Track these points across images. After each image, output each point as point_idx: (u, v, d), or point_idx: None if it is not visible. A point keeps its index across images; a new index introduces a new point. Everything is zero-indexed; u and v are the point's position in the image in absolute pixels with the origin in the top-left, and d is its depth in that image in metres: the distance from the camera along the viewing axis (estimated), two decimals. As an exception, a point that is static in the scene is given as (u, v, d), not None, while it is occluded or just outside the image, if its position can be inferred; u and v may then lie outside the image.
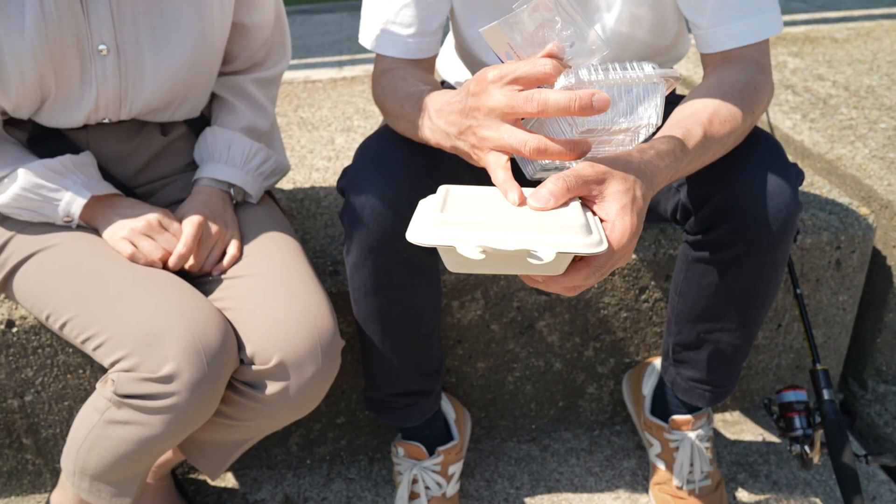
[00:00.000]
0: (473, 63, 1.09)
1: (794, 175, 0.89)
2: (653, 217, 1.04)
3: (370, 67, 2.27)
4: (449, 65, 1.20)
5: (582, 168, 0.67)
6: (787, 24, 2.71)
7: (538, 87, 0.69)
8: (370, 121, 1.75)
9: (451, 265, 0.65)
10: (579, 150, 0.68)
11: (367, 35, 0.98)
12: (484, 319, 1.21)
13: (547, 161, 0.72)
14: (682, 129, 0.78)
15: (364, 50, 2.74)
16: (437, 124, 0.80)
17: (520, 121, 0.71)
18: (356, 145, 1.61)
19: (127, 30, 0.90)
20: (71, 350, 1.11)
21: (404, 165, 0.89)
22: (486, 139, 0.72)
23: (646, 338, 1.26)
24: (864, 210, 1.26)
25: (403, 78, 0.92)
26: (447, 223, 0.63)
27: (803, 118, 1.62)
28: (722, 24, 0.88)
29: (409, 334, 1.01)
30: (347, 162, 1.49)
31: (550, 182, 0.66)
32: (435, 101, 0.81)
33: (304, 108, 1.86)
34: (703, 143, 0.79)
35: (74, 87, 0.90)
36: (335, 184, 1.41)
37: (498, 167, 0.70)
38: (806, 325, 1.11)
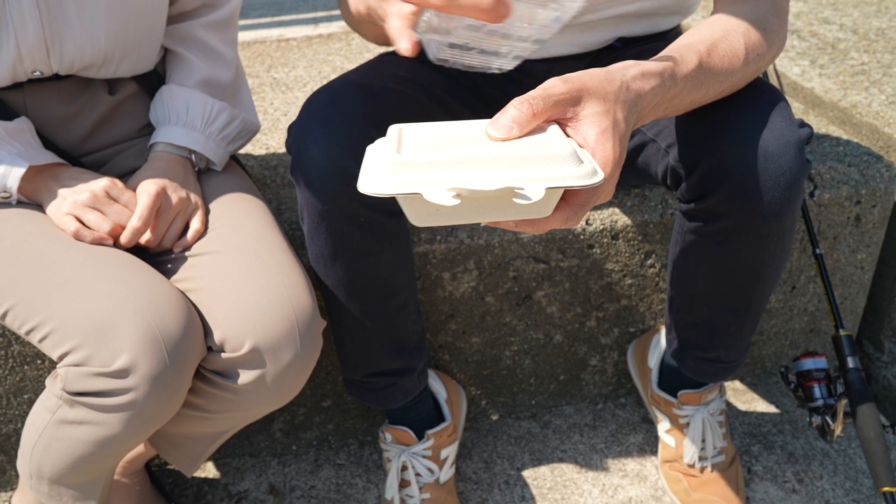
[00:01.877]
0: None
1: (800, 132, 0.77)
2: (647, 179, 0.94)
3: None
4: None
5: (551, 85, 0.56)
6: (785, -32, 2.59)
7: None
8: (349, 79, 1.63)
9: (416, 218, 0.52)
10: (497, 7, 0.55)
11: None
12: (478, 291, 1.11)
13: (454, 38, 0.60)
14: (675, 54, 0.67)
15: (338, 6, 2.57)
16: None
17: None
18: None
19: None
20: (22, 338, 1.01)
21: (352, 120, 0.79)
22: None
23: (652, 305, 1.17)
24: (886, 160, 1.17)
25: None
26: (407, 166, 0.50)
27: (812, 64, 1.51)
28: None
29: (378, 307, 0.91)
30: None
31: (512, 107, 0.55)
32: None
33: (278, 67, 1.73)
34: (696, 73, 0.68)
35: None
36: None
37: (395, 15, 0.60)
38: (827, 287, 1.03)
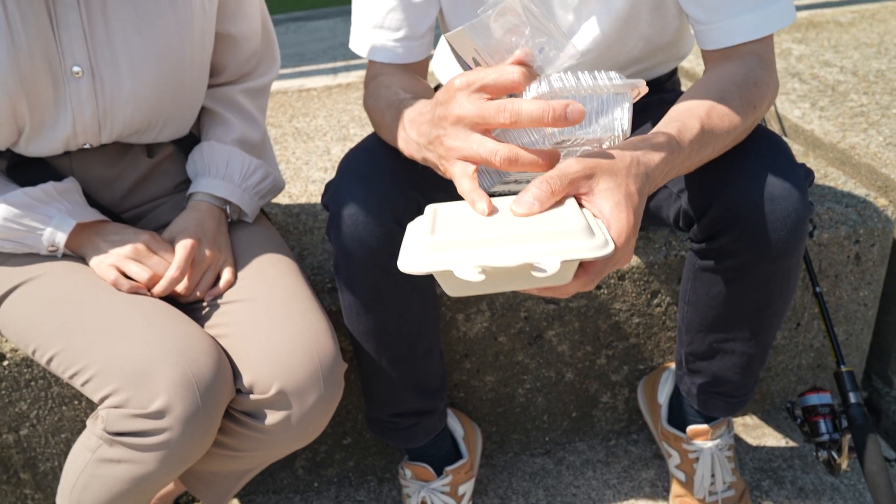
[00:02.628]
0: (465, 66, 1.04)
1: (802, 175, 0.83)
2: (657, 223, 0.99)
3: (364, 74, 2.23)
4: (444, 67, 1.16)
5: (567, 165, 0.62)
6: (788, 9, 2.66)
7: (507, 95, 0.65)
8: (366, 129, 1.71)
9: (451, 290, 0.59)
10: (550, 160, 0.64)
11: (357, 40, 0.95)
12: (491, 332, 1.16)
13: (509, 173, 0.68)
14: (678, 123, 0.73)
15: (358, 56, 2.69)
16: (409, 135, 0.76)
17: (489, 131, 0.67)
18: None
19: (101, 48, 0.85)
20: (65, 381, 1.07)
21: (388, 178, 0.85)
22: (453, 149, 0.67)
23: (660, 343, 1.21)
24: (881, 201, 1.21)
25: (388, 85, 0.89)
26: (440, 246, 0.57)
27: (812, 107, 1.57)
28: (724, 20, 0.83)
29: (405, 352, 0.97)
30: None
31: (534, 185, 0.61)
32: (410, 111, 0.78)
33: (299, 117, 1.82)
34: (700, 138, 0.74)
35: (49, 114, 0.86)
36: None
37: (464, 177, 0.66)
38: (828, 324, 1.07)
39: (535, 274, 0.57)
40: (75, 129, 0.88)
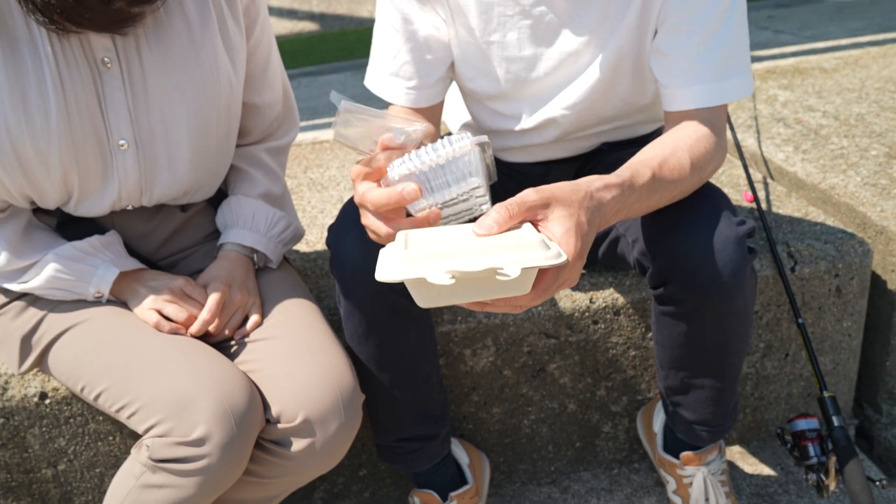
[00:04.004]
0: (472, 105, 1.15)
1: (738, 229, 0.91)
2: (626, 266, 1.08)
3: (375, 125, 2.36)
4: (450, 110, 1.27)
5: (525, 194, 0.72)
6: (776, 56, 2.79)
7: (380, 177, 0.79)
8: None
9: (421, 300, 0.67)
10: (427, 221, 0.77)
11: (373, 82, 1.06)
12: (496, 365, 1.24)
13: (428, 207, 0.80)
14: (632, 169, 0.83)
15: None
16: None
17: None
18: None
19: (143, 124, 0.95)
20: (101, 418, 1.15)
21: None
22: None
23: (655, 374, 1.29)
24: (859, 237, 1.30)
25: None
26: (413, 258, 0.65)
27: (795, 150, 1.67)
28: (683, 86, 0.93)
29: (406, 379, 1.05)
30: (357, 220, 1.54)
31: (494, 210, 0.70)
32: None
33: (313, 168, 1.94)
34: (650, 184, 0.83)
35: (97, 182, 0.96)
36: (347, 242, 1.46)
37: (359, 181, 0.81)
38: (810, 353, 1.14)
39: (499, 279, 0.65)
40: (120, 194, 0.98)
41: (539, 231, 0.72)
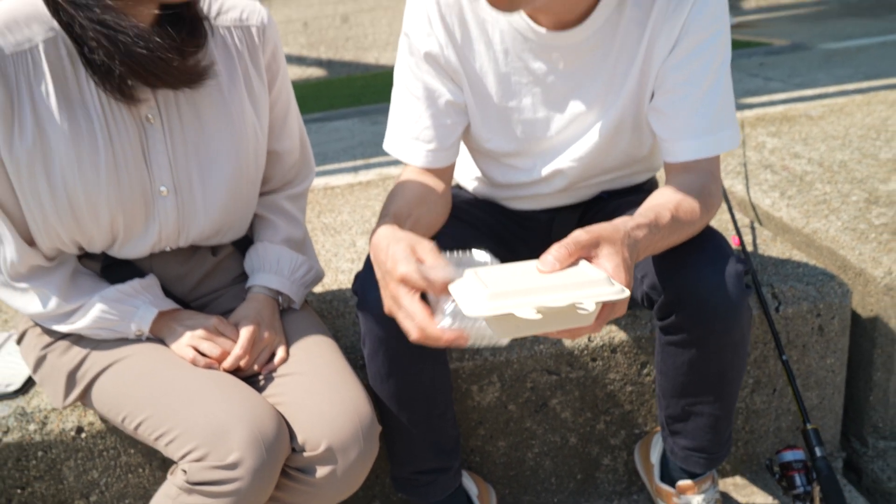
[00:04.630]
0: (483, 163, 1.25)
1: (737, 267, 1.01)
2: (631, 302, 1.18)
3: (383, 171, 2.47)
4: (461, 168, 1.38)
5: (578, 235, 0.82)
6: (766, 104, 2.92)
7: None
8: (387, 222, 1.92)
9: (501, 332, 0.75)
10: (456, 342, 0.81)
11: (393, 145, 1.15)
12: (501, 401, 1.33)
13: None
14: (654, 211, 0.94)
15: (376, 155, 2.97)
16: (373, 253, 0.93)
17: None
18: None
19: (181, 172, 1.06)
20: (133, 450, 1.24)
21: None
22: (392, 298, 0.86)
23: (651, 409, 1.37)
24: (839, 279, 1.39)
25: (402, 194, 1.09)
26: (497, 295, 0.72)
27: (781, 196, 1.77)
28: (683, 140, 1.04)
29: (423, 415, 1.13)
30: (370, 263, 1.64)
31: (554, 249, 0.80)
32: (378, 235, 0.92)
33: (326, 213, 2.04)
34: (671, 225, 0.94)
35: (140, 226, 1.06)
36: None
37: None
38: (794, 388, 1.23)
39: (578, 312, 0.74)
40: (160, 236, 1.08)
41: (593, 266, 0.81)
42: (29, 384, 1.28)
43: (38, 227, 1.02)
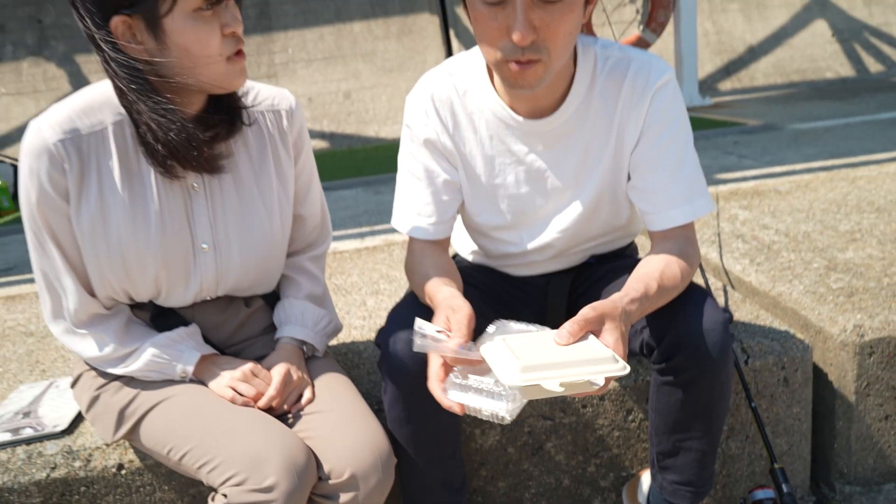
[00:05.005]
0: (478, 238, 1.44)
1: (724, 316, 1.19)
2: (631, 354, 1.34)
3: (388, 237, 2.66)
4: (459, 242, 1.56)
5: (586, 312, 1.00)
6: (739, 180, 3.16)
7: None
8: (393, 284, 2.09)
9: (527, 395, 0.93)
10: (451, 410, 1.02)
11: (399, 221, 1.34)
12: (501, 444, 1.46)
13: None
14: (644, 283, 1.12)
15: (380, 223, 3.16)
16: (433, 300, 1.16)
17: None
18: (385, 305, 1.94)
19: (220, 230, 1.24)
20: (167, 487, 1.35)
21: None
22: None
23: (637, 452, 1.51)
24: (801, 336, 1.56)
25: (421, 262, 1.28)
26: (527, 368, 0.91)
27: (751, 262, 1.96)
28: (664, 211, 1.23)
29: (436, 455, 1.27)
30: (380, 321, 1.82)
31: (568, 325, 0.98)
32: (433, 294, 1.17)
33: (337, 275, 2.21)
34: (657, 293, 1.13)
35: (182, 278, 1.22)
36: (371, 339, 1.72)
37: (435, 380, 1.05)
38: (762, 431, 1.37)
39: (591, 386, 0.94)
40: (202, 286, 1.24)
41: (598, 339, 1.00)
42: (74, 425, 1.41)
43: (95, 278, 1.19)
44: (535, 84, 1.12)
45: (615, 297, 1.06)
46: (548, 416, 1.46)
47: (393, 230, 2.71)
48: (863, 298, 1.64)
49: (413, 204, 1.32)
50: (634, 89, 1.21)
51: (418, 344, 1.03)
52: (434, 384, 1.04)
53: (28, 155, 1.10)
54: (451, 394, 1.02)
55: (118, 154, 1.15)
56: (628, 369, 0.94)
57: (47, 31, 6.32)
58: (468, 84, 1.27)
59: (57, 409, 1.48)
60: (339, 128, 6.13)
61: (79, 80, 6.23)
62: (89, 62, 6.28)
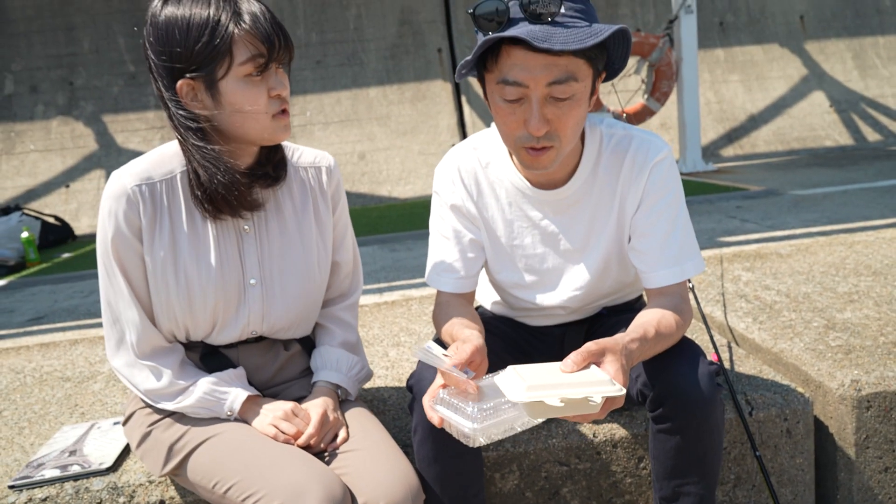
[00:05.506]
0: (500, 292, 1.56)
1: (710, 368, 1.29)
2: (628, 400, 1.44)
3: (405, 293, 2.78)
4: (483, 295, 1.68)
5: (588, 345, 1.11)
6: (742, 243, 3.30)
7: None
8: (413, 336, 2.20)
9: (533, 414, 1.04)
10: (432, 421, 1.14)
11: (432, 277, 1.47)
12: (520, 488, 1.54)
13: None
14: (643, 328, 1.24)
15: (397, 279, 3.30)
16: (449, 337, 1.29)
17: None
18: (406, 356, 2.04)
19: (266, 267, 1.37)
20: (204, 522, 1.43)
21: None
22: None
23: (648, 499, 1.58)
24: (801, 390, 1.65)
25: (447, 311, 1.41)
26: (533, 388, 1.02)
27: (754, 321, 2.07)
28: (655, 270, 1.36)
29: (461, 494, 1.35)
30: (401, 370, 1.93)
31: (573, 355, 1.09)
32: (455, 335, 1.29)
33: (359, 329, 2.32)
34: (655, 337, 1.24)
35: (233, 312, 1.35)
36: (395, 387, 1.82)
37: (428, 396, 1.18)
38: (767, 480, 1.45)
39: (589, 403, 1.03)
40: (249, 320, 1.36)
41: (601, 370, 1.11)
42: (118, 463, 1.50)
43: (161, 310, 1.32)
44: (548, 166, 1.28)
45: (618, 336, 1.18)
46: (564, 461, 1.54)
47: (410, 286, 2.84)
48: (860, 356, 1.74)
49: (442, 261, 1.46)
50: (635, 164, 1.36)
51: (423, 355, 1.14)
52: (426, 397, 1.17)
53: (109, 198, 1.26)
54: (437, 406, 1.14)
55: (185, 199, 1.31)
56: (624, 391, 1.04)
57: (77, 93, 6.63)
58: (490, 157, 1.43)
59: (101, 447, 1.57)
60: (354, 187, 6.34)
61: (105, 139, 6.50)
62: (115, 122, 6.57)
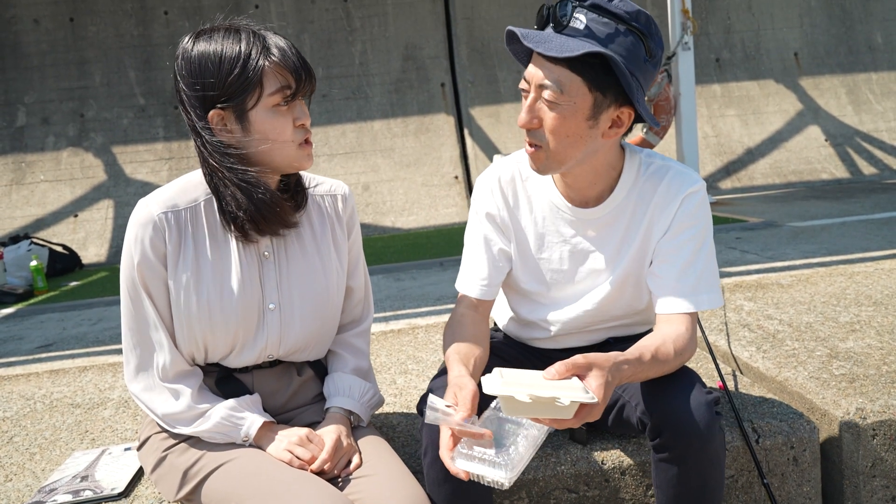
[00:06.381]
0: (517, 302, 1.59)
1: (708, 397, 1.31)
2: (630, 427, 1.45)
3: (411, 321, 2.81)
4: (498, 311, 1.71)
5: (575, 358, 1.15)
6: (743, 273, 3.33)
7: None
8: (420, 364, 2.22)
9: (507, 410, 1.08)
10: (457, 476, 1.18)
11: (461, 282, 1.53)
12: (529, 515, 1.55)
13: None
14: (640, 351, 1.28)
15: (402, 308, 3.32)
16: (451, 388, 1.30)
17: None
18: (413, 383, 2.06)
19: (285, 294, 1.40)
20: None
21: None
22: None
23: (657, 527, 1.59)
24: (807, 418, 1.67)
25: (460, 322, 1.45)
26: (508, 384, 1.09)
27: (757, 350, 2.09)
28: (669, 297, 1.39)
29: None
30: (410, 397, 1.95)
31: (556, 364, 1.14)
32: (449, 366, 1.34)
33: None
34: (650, 362, 1.27)
35: (252, 335, 1.37)
36: (403, 413, 1.84)
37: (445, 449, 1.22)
38: (774, 506, 1.46)
39: (556, 405, 1.08)
40: (267, 342, 1.39)
41: (583, 383, 1.15)
42: (130, 488, 1.52)
43: (182, 333, 1.34)
44: (539, 168, 1.35)
45: (611, 353, 1.21)
46: (573, 489, 1.56)
47: (416, 314, 2.86)
48: (864, 384, 1.77)
49: (472, 267, 1.52)
50: (669, 192, 1.42)
51: (430, 416, 1.19)
52: (444, 453, 1.21)
53: (135, 224, 1.31)
54: (459, 462, 1.18)
55: (208, 226, 1.35)
56: (596, 400, 1.09)
57: (87, 125, 6.73)
58: (531, 171, 1.49)
59: (113, 473, 1.58)
60: (359, 218, 6.38)
61: (113, 169, 6.58)
62: (124, 153, 6.66)
